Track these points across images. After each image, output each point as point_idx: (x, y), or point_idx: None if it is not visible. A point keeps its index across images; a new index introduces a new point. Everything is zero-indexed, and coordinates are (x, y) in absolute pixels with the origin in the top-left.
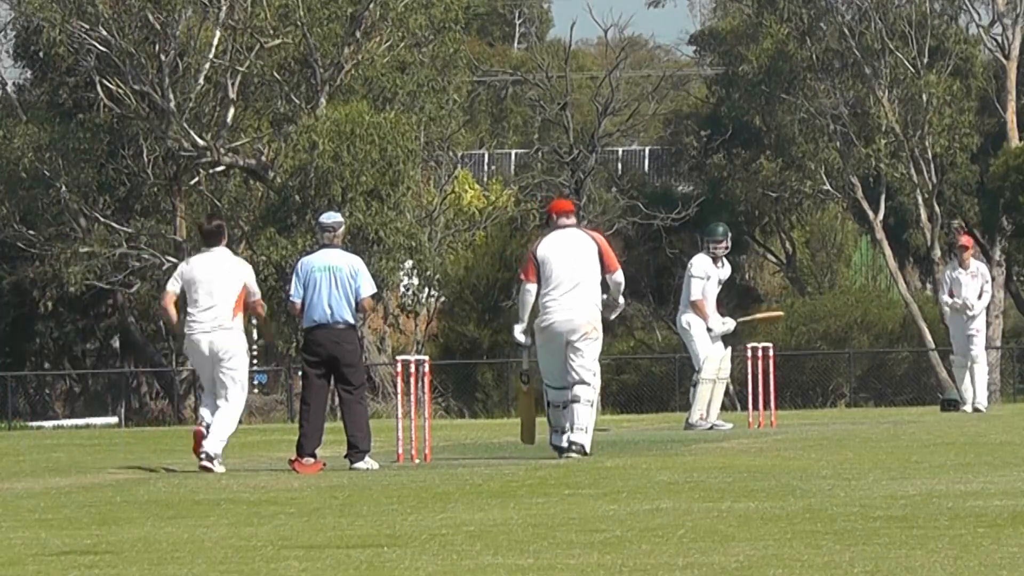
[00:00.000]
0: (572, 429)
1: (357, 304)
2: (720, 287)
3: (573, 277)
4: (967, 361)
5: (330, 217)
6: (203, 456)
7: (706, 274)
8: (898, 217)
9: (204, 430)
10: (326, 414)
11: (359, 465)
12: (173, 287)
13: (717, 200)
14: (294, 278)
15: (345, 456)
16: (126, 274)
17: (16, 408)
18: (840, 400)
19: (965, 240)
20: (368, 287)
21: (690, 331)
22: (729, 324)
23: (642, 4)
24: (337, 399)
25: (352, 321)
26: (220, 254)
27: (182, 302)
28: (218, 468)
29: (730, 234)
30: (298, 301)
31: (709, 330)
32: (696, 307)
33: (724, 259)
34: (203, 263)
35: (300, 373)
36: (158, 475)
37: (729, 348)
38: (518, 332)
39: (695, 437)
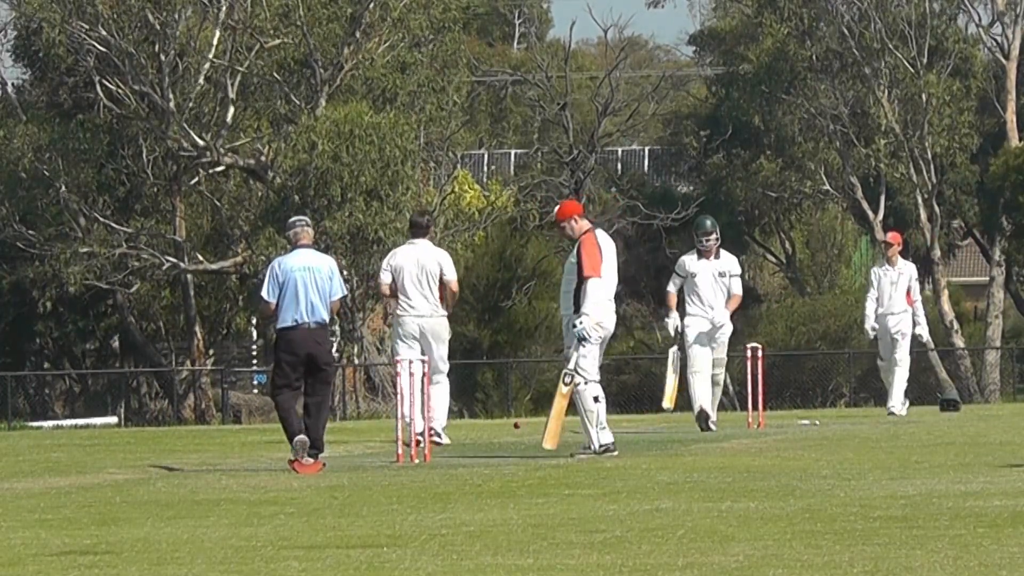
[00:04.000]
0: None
1: None
2: (722, 280)
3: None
4: (893, 364)
5: (298, 218)
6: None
7: (685, 271)
8: (898, 217)
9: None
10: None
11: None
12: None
13: (717, 200)
14: (270, 279)
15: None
16: (126, 274)
17: (16, 408)
18: (840, 400)
19: (891, 236)
20: (340, 289)
21: (684, 331)
22: (672, 324)
23: (642, 4)
24: (304, 395)
25: (326, 321)
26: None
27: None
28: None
29: (718, 226)
30: (273, 302)
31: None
32: (668, 299)
33: (719, 251)
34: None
35: (272, 372)
36: (167, 474)
37: (711, 350)
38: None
39: (695, 437)
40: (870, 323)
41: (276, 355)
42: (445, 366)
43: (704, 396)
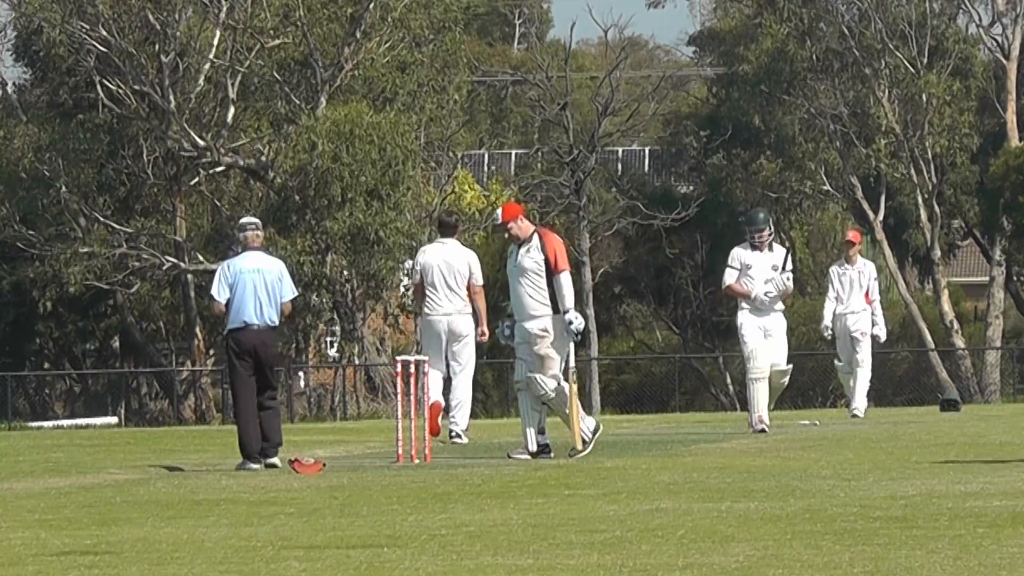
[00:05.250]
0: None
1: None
2: (778, 274)
3: None
4: (852, 367)
5: (250, 220)
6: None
7: (739, 263)
8: (898, 217)
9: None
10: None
11: (274, 460)
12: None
13: (717, 200)
14: (220, 279)
15: (258, 453)
16: (126, 274)
17: (16, 408)
18: (840, 400)
19: (852, 235)
20: (290, 291)
21: (740, 329)
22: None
23: (642, 4)
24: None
25: (276, 323)
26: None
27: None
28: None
29: (771, 220)
30: (220, 300)
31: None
32: (731, 292)
33: (773, 245)
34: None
35: (229, 373)
36: (167, 474)
37: (779, 359)
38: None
39: (695, 437)
40: (825, 323)
41: (228, 357)
42: (471, 365)
43: (763, 403)
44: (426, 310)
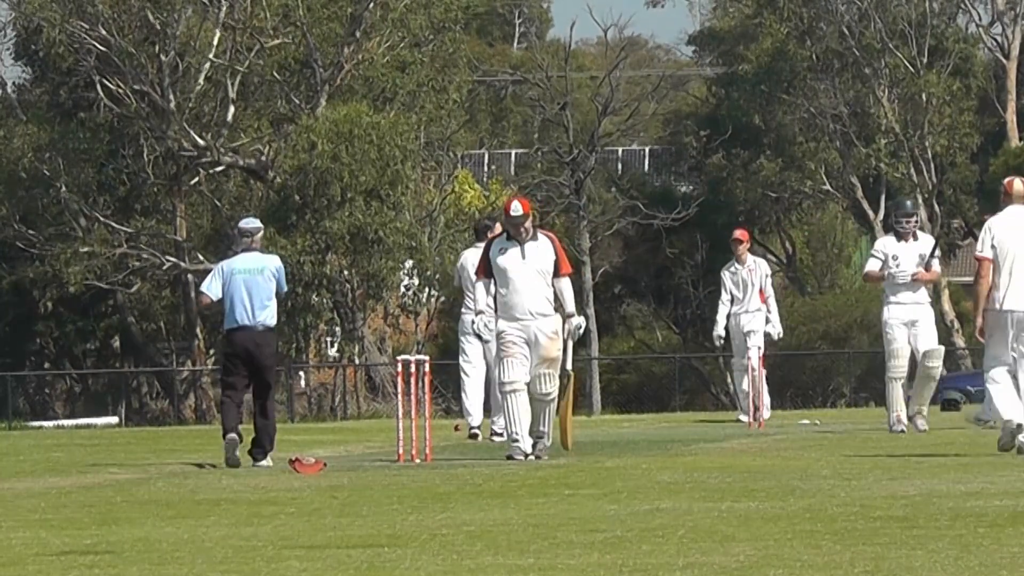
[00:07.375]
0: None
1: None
2: (923, 263)
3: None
4: (746, 366)
5: (249, 223)
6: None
7: (883, 253)
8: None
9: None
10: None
11: (263, 463)
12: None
13: (717, 200)
14: (212, 275)
15: (248, 452)
16: (126, 274)
17: (16, 408)
18: (840, 400)
19: (739, 234)
20: (283, 286)
21: (884, 327)
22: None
23: (642, 4)
24: (252, 397)
25: (271, 324)
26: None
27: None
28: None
29: (919, 208)
30: (208, 294)
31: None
32: (868, 280)
33: (917, 233)
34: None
35: (221, 372)
36: (167, 474)
37: (930, 344)
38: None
39: (695, 437)
40: (718, 330)
41: (224, 355)
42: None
43: (901, 402)
44: (463, 310)
